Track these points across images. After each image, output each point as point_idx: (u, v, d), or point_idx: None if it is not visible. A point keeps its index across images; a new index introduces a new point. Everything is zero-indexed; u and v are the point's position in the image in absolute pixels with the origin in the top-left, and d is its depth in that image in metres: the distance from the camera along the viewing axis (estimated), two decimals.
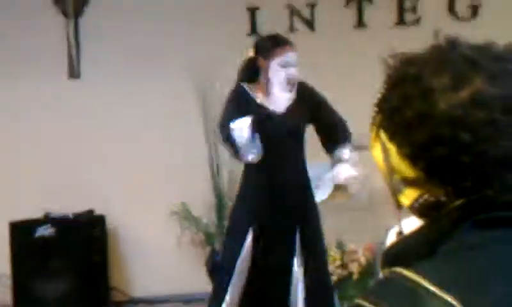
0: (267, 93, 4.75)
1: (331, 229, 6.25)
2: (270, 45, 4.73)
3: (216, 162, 7.11)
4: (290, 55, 4.73)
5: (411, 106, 1.22)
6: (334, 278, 6.11)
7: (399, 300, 1.15)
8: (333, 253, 6.20)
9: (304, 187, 4.93)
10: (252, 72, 4.80)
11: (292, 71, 4.72)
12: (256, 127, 4.60)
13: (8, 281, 7.19)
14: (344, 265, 6.16)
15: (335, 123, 4.87)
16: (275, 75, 4.72)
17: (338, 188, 6.82)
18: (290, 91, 4.74)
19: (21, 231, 7.15)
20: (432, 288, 1.14)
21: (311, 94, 4.86)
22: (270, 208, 4.73)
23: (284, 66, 4.70)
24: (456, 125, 1.19)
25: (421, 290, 1.14)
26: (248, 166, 4.84)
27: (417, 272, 1.17)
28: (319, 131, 4.90)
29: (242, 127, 4.56)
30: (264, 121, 4.64)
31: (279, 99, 4.74)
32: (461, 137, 1.19)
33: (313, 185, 5.10)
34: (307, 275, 4.72)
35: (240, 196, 4.93)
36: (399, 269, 1.20)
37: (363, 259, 6.26)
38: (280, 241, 4.72)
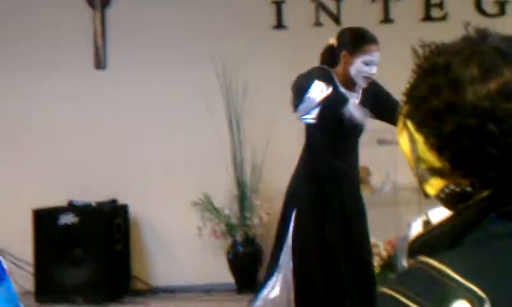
0: (343, 84, 4.77)
1: None
2: (358, 41, 4.72)
3: (239, 153, 7.12)
4: (375, 55, 4.74)
5: (439, 96, 1.23)
6: None
7: (425, 289, 1.15)
8: None
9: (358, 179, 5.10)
10: (331, 61, 4.81)
11: (374, 70, 4.75)
12: (337, 109, 4.64)
13: (30, 268, 7.25)
14: None
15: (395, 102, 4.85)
16: (357, 71, 4.73)
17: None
18: (364, 87, 4.78)
19: (44, 218, 7.21)
20: (458, 278, 1.14)
21: (372, 88, 4.87)
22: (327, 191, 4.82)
23: (368, 64, 4.72)
24: (484, 116, 1.19)
25: (447, 279, 1.15)
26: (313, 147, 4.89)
27: (443, 262, 1.17)
28: (382, 116, 4.89)
29: (322, 89, 4.60)
30: (343, 107, 4.67)
31: (354, 93, 4.79)
32: (488, 128, 1.19)
33: None
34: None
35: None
36: (425, 258, 1.20)
37: (384, 253, 6.26)
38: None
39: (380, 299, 1.20)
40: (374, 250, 6.27)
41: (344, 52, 4.72)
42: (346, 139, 4.88)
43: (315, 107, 4.64)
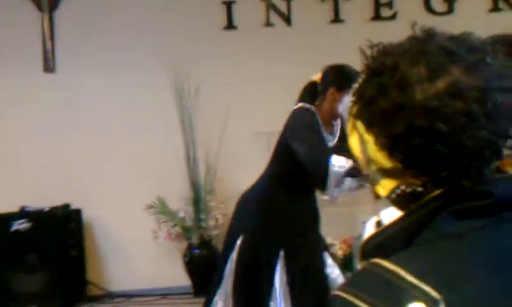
0: (324, 123, 4.72)
1: None
2: (347, 78, 4.68)
3: (192, 155, 7.09)
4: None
5: (388, 96, 1.22)
6: None
7: (378, 291, 1.15)
8: None
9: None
10: (312, 97, 4.77)
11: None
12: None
13: None
14: None
15: None
16: (345, 108, 4.71)
17: None
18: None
19: None
20: (411, 279, 1.14)
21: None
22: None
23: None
24: (433, 116, 1.19)
25: (400, 281, 1.14)
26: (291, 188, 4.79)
27: (396, 263, 1.17)
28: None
29: (342, 164, 4.51)
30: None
31: (331, 136, 4.76)
32: (437, 127, 1.19)
33: None
34: None
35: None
36: (377, 260, 1.20)
37: (340, 253, 6.28)
38: None
39: (333, 301, 1.19)
40: (330, 250, 6.30)
41: (331, 89, 4.70)
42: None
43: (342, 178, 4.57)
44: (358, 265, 1.47)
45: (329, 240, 6.37)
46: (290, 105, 7.08)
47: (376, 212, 1.79)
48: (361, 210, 6.48)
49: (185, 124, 7.07)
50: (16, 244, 7.02)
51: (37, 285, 7.00)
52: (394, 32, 1.48)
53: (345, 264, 6.19)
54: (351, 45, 6.88)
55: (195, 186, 7.10)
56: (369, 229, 1.63)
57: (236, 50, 7.29)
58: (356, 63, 1.35)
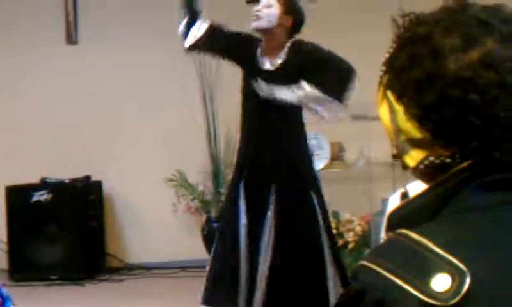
0: (271, 50, 4.66)
1: (327, 199, 6.27)
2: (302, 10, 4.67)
3: (212, 129, 7.10)
4: None
5: (420, 66, 1.22)
6: None
7: (405, 262, 1.14)
8: None
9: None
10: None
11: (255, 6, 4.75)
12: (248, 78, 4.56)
13: (4, 246, 7.20)
14: (339, 234, 6.18)
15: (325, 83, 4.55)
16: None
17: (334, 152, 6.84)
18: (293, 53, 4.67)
19: (17, 195, 7.16)
20: (438, 250, 1.14)
21: (306, 53, 4.69)
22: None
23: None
24: (466, 86, 1.19)
25: (427, 252, 1.14)
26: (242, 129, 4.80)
27: (422, 234, 1.17)
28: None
29: (200, 27, 4.58)
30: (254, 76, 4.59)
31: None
32: (470, 98, 1.19)
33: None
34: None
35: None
36: (404, 231, 1.19)
37: (358, 229, 6.27)
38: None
39: (359, 271, 1.19)
40: (348, 226, 6.30)
41: (288, 17, 4.66)
42: (261, 116, 4.64)
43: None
44: (381, 238, 1.47)
45: (347, 216, 6.39)
46: None
47: (395, 188, 1.80)
48: (379, 186, 6.48)
49: (206, 98, 7.07)
50: (36, 214, 7.08)
51: (57, 256, 7.05)
52: (421, 5, 1.47)
53: (363, 240, 6.20)
54: (381, 15, 6.80)
55: (215, 160, 7.11)
56: (394, 202, 1.63)
57: None
58: (378, 35, 1.34)
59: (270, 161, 4.58)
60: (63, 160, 7.29)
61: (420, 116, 1.23)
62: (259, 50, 4.69)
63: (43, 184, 7.23)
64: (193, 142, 7.03)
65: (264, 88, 4.52)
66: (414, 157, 1.29)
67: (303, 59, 4.58)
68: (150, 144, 7.31)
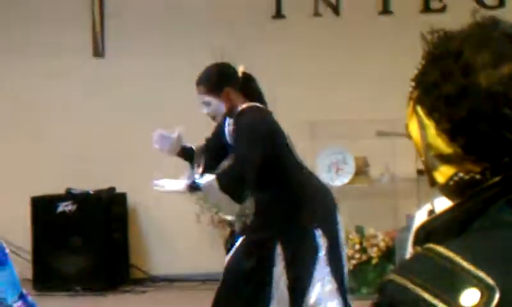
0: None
1: (351, 214, 6.26)
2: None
3: None
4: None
5: (452, 81, 1.22)
6: (353, 262, 6.12)
7: (433, 276, 1.14)
8: (352, 237, 6.21)
9: None
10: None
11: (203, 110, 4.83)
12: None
13: (28, 256, 7.24)
14: (363, 249, 6.16)
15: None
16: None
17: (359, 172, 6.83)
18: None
19: (42, 206, 7.21)
20: (467, 265, 1.13)
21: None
22: None
23: None
24: (498, 101, 1.19)
25: (455, 267, 1.13)
26: None
27: (450, 249, 1.16)
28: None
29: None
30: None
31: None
32: (502, 112, 1.19)
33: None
34: None
35: None
36: (431, 245, 1.19)
37: (382, 244, 6.25)
38: None
39: (386, 285, 1.19)
40: (372, 241, 6.28)
41: (228, 90, 4.70)
42: None
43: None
44: (407, 254, 1.47)
45: (371, 231, 6.37)
46: (335, 95, 7.07)
47: (421, 203, 1.79)
48: (404, 202, 6.46)
49: None
50: (61, 225, 7.12)
51: (81, 267, 7.09)
52: (443, 25, 1.48)
53: (387, 257, 6.18)
54: (400, 36, 6.86)
55: None
56: (421, 217, 1.63)
57: (283, 39, 7.29)
58: (406, 54, 1.35)
59: None
60: (88, 172, 7.32)
61: (451, 131, 1.23)
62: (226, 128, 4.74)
63: (68, 195, 7.27)
64: None
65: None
66: (444, 173, 1.29)
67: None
68: (175, 156, 7.32)
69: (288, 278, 4.42)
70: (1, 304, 2.10)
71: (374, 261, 6.18)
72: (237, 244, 4.64)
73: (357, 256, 6.20)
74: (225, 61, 4.84)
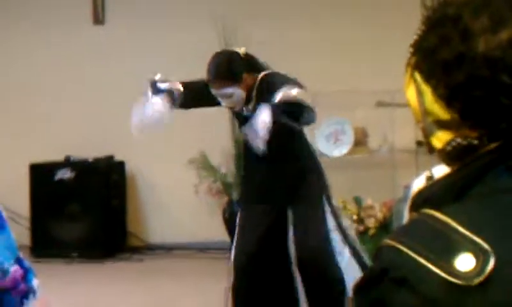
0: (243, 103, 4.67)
1: (349, 184, 6.28)
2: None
3: None
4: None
5: (449, 47, 1.22)
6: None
7: (429, 241, 1.14)
8: (349, 207, 6.22)
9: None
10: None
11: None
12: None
13: (26, 223, 7.26)
14: (360, 220, 6.17)
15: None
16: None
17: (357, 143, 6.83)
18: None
19: (41, 173, 7.21)
20: (463, 230, 1.13)
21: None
22: None
23: None
24: (496, 67, 1.18)
25: (451, 232, 1.13)
26: None
27: (447, 214, 1.16)
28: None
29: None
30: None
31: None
32: (500, 78, 1.18)
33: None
34: None
35: None
36: (427, 211, 1.19)
37: (379, 215, 6.26)
38: None
39: (381, 250, 1.19)
40: (369, 212, 6.29)
41: (249, 75, 4.66)
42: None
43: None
44: (404, 220, 1.48)
45: (369, 202, 6.38)
46: (335, 66, 7.05)
47: (418, 174, 1.79)
48: (402, 173, 6.46)
49: None
50: (59, 192, 7.13)
51: (78, 234, 7.10)
52: None
53: (385, 227, 6.19)
54: (399, 7, 6.79)
55: (237, 142, 7.11)
56: (419, 184, 1.63)
57: (286, 7, 7.26)
58: (404, 25, 1.34)
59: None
60: (87, 139, 7.32)
61: (448, 97, 1.23)
62: None
63: (67, 162, 7.28)
64: (216, 125, 7.04)
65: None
66: (441, 138, 1.28)
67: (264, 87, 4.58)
68: (174, 125, 7.29)
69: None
70: None
71: (371, 231, 6.19)
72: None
73: (354, 226, 6.21)
74: (224, 49, 4.83)
